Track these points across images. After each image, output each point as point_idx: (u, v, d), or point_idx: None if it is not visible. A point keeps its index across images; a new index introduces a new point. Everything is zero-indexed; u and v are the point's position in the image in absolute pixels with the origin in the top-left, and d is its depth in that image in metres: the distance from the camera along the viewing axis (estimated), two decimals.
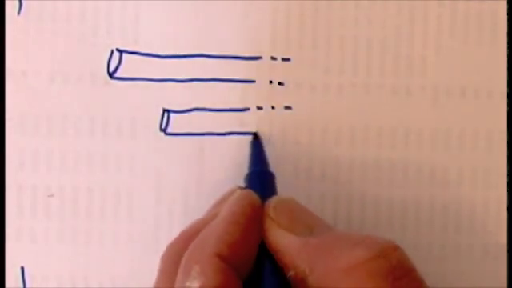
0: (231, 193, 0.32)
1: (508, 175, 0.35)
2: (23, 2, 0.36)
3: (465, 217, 0.35)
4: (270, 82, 0.36)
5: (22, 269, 0.35)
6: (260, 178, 0.33)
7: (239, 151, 0.35)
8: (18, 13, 0.36)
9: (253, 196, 0.31)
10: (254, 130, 0.35)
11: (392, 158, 0.35)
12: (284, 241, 0.30)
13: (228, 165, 0.35)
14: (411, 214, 0.35)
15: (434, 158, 0.36)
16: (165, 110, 0.35)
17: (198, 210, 0.35)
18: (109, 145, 0.35)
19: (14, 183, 0.35)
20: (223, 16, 0.35)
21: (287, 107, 0.36)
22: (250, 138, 0.35)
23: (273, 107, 0.36)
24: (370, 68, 0.36)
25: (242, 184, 0.33)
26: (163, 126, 0.35)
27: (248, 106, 0.36)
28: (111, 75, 0.36)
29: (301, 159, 0.35)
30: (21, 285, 0.35)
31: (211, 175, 0.35)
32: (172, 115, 0.35)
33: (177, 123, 0.35)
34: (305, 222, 0.30)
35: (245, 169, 0.35)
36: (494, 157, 0.35)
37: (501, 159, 0.35)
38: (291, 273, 0.29)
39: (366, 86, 0.36)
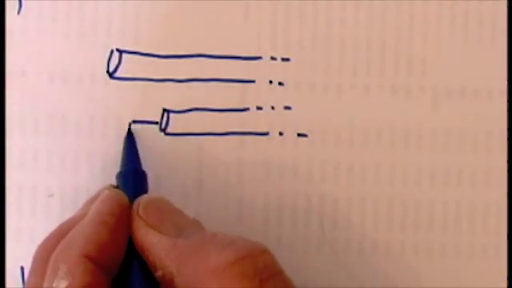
0: (101, 192, 0.32)
1: (508, 175, 0.35)
2: (23, 2, 0.36)
3: (465, 217, 0.35)
4: (270, 82, 0.36)
5: (22, 269, 0.35)
6: (132, 177, 0.33)
7: (239, 151, 0.35)
8: (18, 13, 0.36)
9: (121, 196, 0.31)
10: (253, 130, 0.35)
11: (392, 159, 0.35)
12: (152, 240, 0.30)
13: (228, 165, 0.35)
14: (411, 213, 0.35)
15: (434, 158, 0.36)
16: (165, 110, 0.35)
17: (197, 210, 0.35)
18: (109, 145, 0.35)
19: (14, 183, 0.35)
20: (223, 16, 0.35)
21: (287, 107, 0.36)
22: (250, 138, 0.35)
23: (273, 107, 0.36)
24: (369, 68, 0.36)
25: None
26: (163, 126, 0.35)
27: (248, 106, 0.36)
28: (111, 75, 0.35)
29: (300, 159, 0.35)
30: (21, 285, 0.35)
31: (211, 175, 0.35)
32: (172, 115, 0.35)
33: (177, 123, 0.35)
34: (174, 222, 0.30)
35: (244, 168, 0.35)
36: (494, 157, 0.35)
37: (501, 159, 0.35)
38: (159, 273, 0.29)
39: (366, 86, 0.36)
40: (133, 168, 0.34)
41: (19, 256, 0.35)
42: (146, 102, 0.35)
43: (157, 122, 0.35)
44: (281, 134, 0.36)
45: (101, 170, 0.35)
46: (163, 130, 0.35)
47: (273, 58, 0.36)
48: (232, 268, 0.28)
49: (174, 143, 0.35)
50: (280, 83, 0.36)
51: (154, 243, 0.30)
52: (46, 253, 0.30)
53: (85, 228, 0.30)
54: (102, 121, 0.35)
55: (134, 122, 0.35)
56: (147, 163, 0.35)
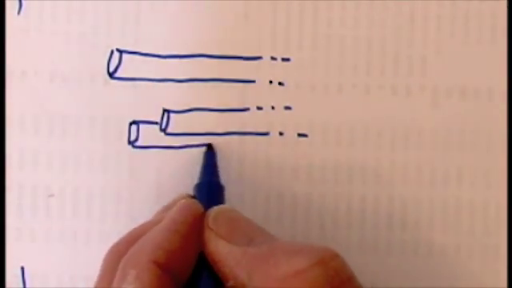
0: (179, 199, 0.32)
1: (508, 175, 0.35)
2: (23, 2, 0.36)
3: (465, 217, 0.35)
4: (270, 82, 0.36)
5: (22, 269, 0.35)
6: (209, 189, 0.33)
7: (239, 151, 0.35)
8: (18, 13, 0.36)
9: (196, 206, 0.31)
10: (253, 130, 0.35)
11: (392, 158, 0.35)
12: (223, 251, 0.30)
13: (228, 165, 0.35)
14: (411, 213, 0.35)
15: (434, 157, 0.36)
16: (165, 110, 0.35)
17: None
18: (109, 145, 0.35)
19: (14, 183, 0.35)
20: (223, 16, 0.35)
21: (287, 107, 0.36)
22: (250, 138, 0.35)
23: (273, 107, 0.36)
24: (370, 68, 0.36)
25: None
26: (163, 126, 0.35)
27: (248, 106, 0.36)
28: (111, 75, 0.36)
29: (301, 159, 0.35)
30: (21, 285, 0.35)
31: None
32: (172, 115, 0.35)
33: (177, 123, 0.36)
34: (244, 232, 0.30)
35: (244, 168, 0.35)
36: (494, 157, 0.35)
37: (501, 159, 0.35)
38: (230, 283, 0.29)
39: (366, 85, 0.36)
40: (208, 181, 0.34)
41: (19, 256, 0.35)
42: (146, 102, 0.35)
43: (157, 122, 0.35)
44: (281, 134, 0.36)
45: (101, 170, 0.36)
46: (163, 130, 0.35)
47: (273, 58, 0.36)
48: (303, 275, 0.28)
49: (173, 143, 0.35)
50: (280, 83, 0.36)
51: (225, 253, 0.29)
52: (115, 257, 0.30)
53: (156, 234, 0.30)
54: (102, 121, 0.35)
55: (134, 122, 0.35)
56: (147, 163, 0.35)
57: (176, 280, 0.29)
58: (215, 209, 0.31)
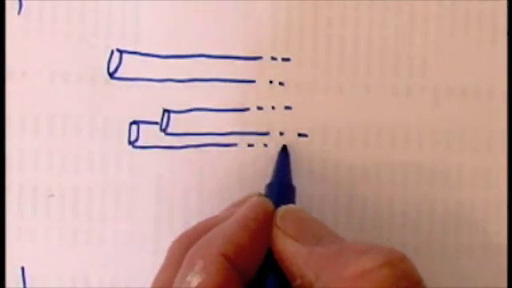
0: (249, 197, 0.32)
1: (508, 175, 0.35)
2: (23, 2, 0.36)
3: (465, 217, 0.35)
4: (270, 82, 0.36)
5: (22, 269, 0.35)
6: (280, 189, 0.33)
7: (239, 151, 0.35)
8: (18, 13, 0.36)
9: (268, 204, 0.31)
10: (254, 130, 0.35)
11: (392, 158, 0.35)
12: (291, 249, 0.30)
13: (228, 165, 0.35)
14: (411, 213, 0.35)
15: (434, 158, 0.36)
16: (165, 110, 0.35)
17: (198, 210, 0.35)
18: (109, 145, 0.35)
19: (14, 183, 0.36)
20: (223, 16, 0.35)
21: (287, 107, 0.36)
22: (250, 138, 0.35)
23: (273, 107, 0.36)
24: (370, 68, 0.36)
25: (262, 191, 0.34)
26: (163, 126, 0.35)
27: (248, 106, 0.36)
28: (111, 75, 0.36)
29: (301, 159, 0.35)
30: (21, 285, 0.35)
31: (211, 175, 0.35)
32: (172, 115, 0.35)
33: (177, 123, 0.36)
34: (312, 232, 0.30)
35: (245, 169, 0.35)
36: (494, 157, 0.35)
37: (501, 159, 0.35)
38: (298, 281, 0.29)
39: (366, 86, 0.36)
40: (279, 181, 0.34)
41: (19, 256, 0.35)
42: (146, 102, 0.35)
43: (157, 122, 0.35)
44: (281, 133, 0.36)
45: (101, 170, 0.36)
46: (163, 130, 0.35)
47: (273, 58, 0.36)
48: (370, 275, 0.27)
49: (173, 143, 0.35)
50: (280, 83, 0.36)
51: (292, 252, 0.29)
52: (181, 248, 0.30)
53: (226, 228, 0.30)
54: (102, 121, 0.35)
55: (134, 122, 0.35)
56: (147, 163, 0.35)
57: (242, 276, 0.29)
58: (283, 208, 0.31)
